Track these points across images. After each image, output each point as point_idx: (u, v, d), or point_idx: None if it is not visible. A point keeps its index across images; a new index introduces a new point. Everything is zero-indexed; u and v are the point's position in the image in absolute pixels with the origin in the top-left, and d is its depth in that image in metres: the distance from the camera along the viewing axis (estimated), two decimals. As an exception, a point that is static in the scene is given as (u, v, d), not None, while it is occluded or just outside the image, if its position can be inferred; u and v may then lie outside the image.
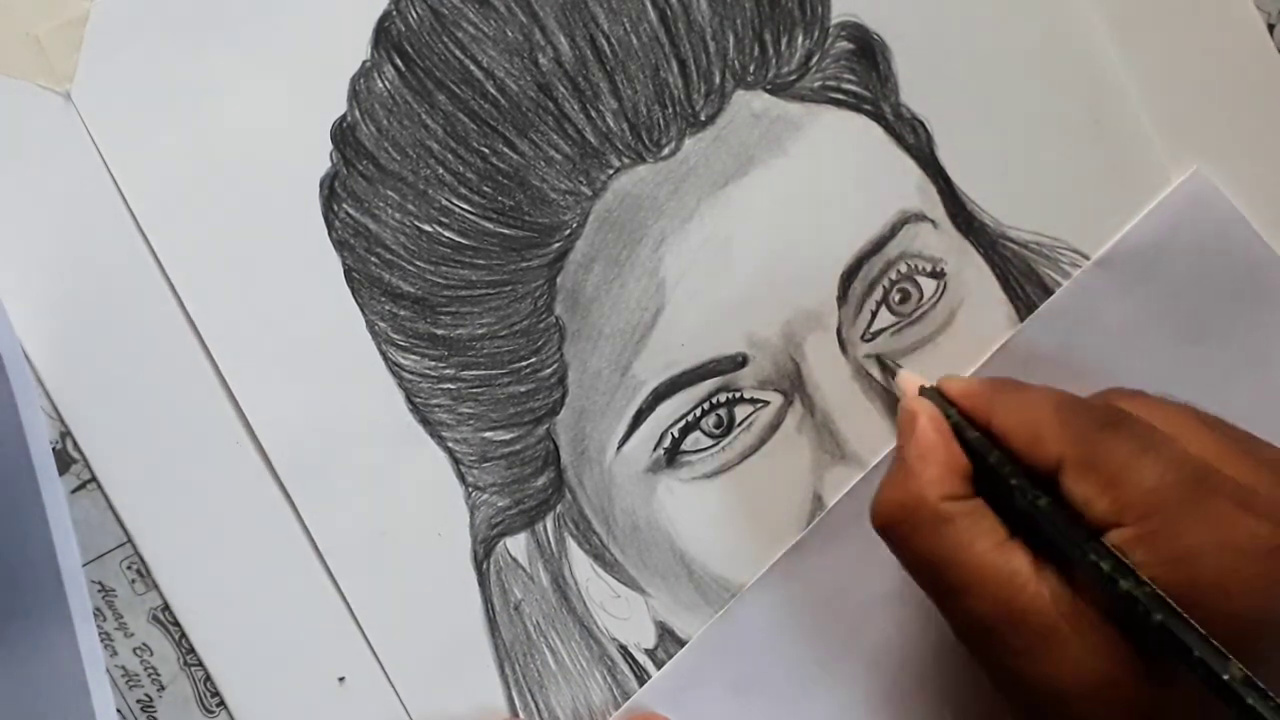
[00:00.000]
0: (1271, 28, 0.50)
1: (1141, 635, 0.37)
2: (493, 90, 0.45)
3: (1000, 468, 0.40)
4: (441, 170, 0.45)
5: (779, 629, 0.47)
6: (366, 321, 0.45)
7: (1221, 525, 0.37)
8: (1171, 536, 0.37)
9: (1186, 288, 0.49)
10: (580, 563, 0.47)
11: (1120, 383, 0.43)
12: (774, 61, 0.46)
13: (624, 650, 0.47)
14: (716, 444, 0.47)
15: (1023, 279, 0.48)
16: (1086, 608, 0.38)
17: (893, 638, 0.48)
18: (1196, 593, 0.36)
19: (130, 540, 0.45)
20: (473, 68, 0.45)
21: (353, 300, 0.45)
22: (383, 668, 0.46)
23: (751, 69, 0.46)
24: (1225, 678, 0.35)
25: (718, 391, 0.47)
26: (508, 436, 0.46)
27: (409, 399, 0.46)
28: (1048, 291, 0.49)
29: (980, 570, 0.39)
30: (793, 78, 0.47)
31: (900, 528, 0.40)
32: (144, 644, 0.46)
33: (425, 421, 0.46)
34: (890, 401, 0.48)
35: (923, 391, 0.43)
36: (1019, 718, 0.41)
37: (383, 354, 0.46)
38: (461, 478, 0.46)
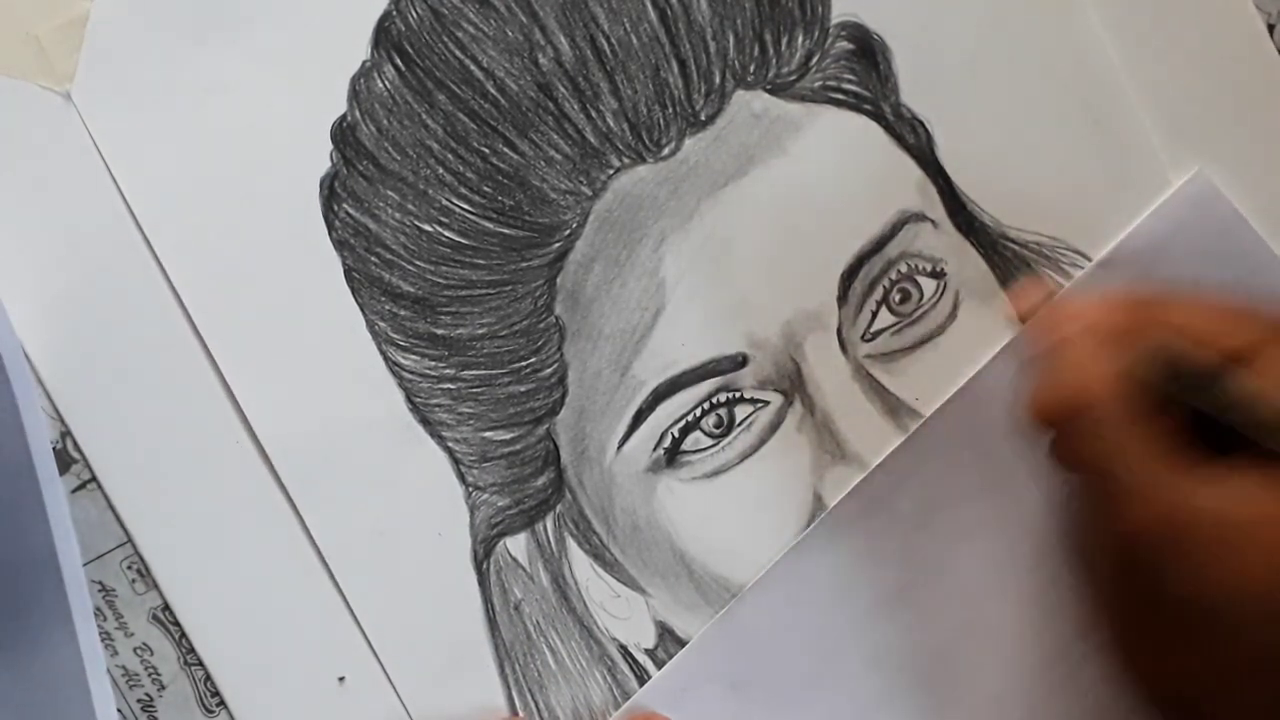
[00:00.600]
0: (1271, 28, 0.50)
1: None
2: (493, 90, 0.45)
3: (1179, 360, 0.39)
4: (441, 170, 0.45)
5: (780, 629, 0.47)
6: (366, 321, 0.45)
7: None
8: None
9: (1189, 287, 0.48)
10: (580, 562, 0.47)
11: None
12: (774, 61, 0.46)
13: (624, 650, 0.47)
14: (716, 444, 0.47)
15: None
16: (1265, 512, 0.37)
17: (893, 638, 0.48)
18: None
19: (130, 540, 0.45)
20: (473, 68, 0.45)
21: (353, 300, 0.45)
22: (383, 667, 0.46)
23: (752, 69, 0.46)
24: None
25: (718, 391, 0.47)
26: (508, 436, 0.46)
27: (409, 399, 0.46)
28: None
29: (1150, 476, 0.38)
30: (793, 78, 0.47)
31: (1075, 423, 0.39)
32: (144, 644, 0.46)
33: (425, 421, 0.46)
34: (891, 402, 0.48)
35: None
36: (1146, 636, 0.40)
37: (383, 354, 0.46)
38: (461, 477, 0.46)
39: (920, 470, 0.47)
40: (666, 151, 0.46)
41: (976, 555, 0.48)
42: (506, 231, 0.45)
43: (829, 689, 0.48)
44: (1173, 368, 0.39)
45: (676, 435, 0.46)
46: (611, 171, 0.46)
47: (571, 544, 0.47)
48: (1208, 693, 0.39)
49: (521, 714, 0.47)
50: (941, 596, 0.48)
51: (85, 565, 0.45)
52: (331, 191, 0.45)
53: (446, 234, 0.45)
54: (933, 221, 0.48)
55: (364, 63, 0.45)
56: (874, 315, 0.47)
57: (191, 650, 0.46)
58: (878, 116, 0.47)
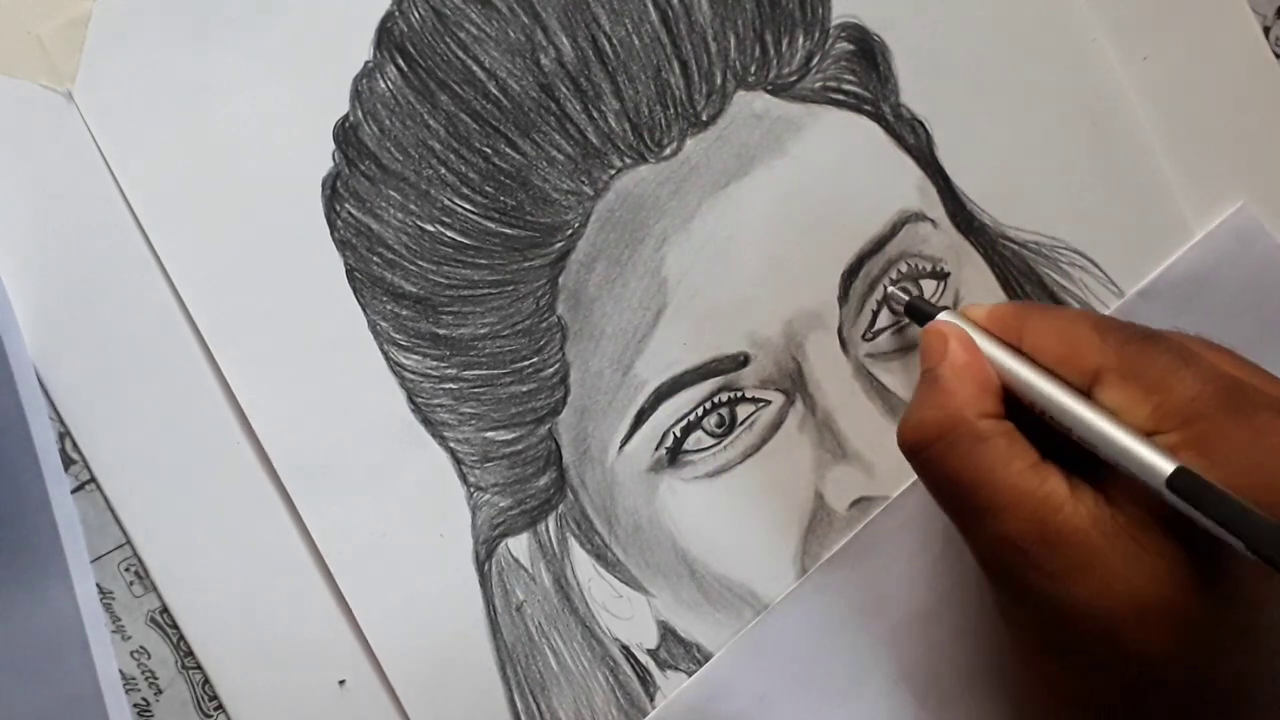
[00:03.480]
0: (1266, 30, 0.50)
1: (1191, 538, 0.36)
2: (495, 90, 0.45)
3: (1036, 381, 0.40)
4: (444, 170, 0.45)
5: (810, 643, 0.47)
6: (368, 321, 0.45)
7: (1265, 431, 0.37)
8: (1216, 440, 0.37)
9: (1228, 320, 0.49)
10: (582, 563, 0.47)
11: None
12: (775, 62, 0.47)
13: (626, 650, 0.47)
14: (718, 443, 0.47)
15: (1022, 278, 0.49)
16: (1126, 523, 0.37)
17: (924, 656, 0.48)
18: (1244, 493, 0.36)
19: (129, 541, 0.45)
20: (475, 68, 0.45)
21: (354, 300, 0.45)
22: (383, 671, 0.46)
23: (753, 70, 0.46)
24: None
25: (719, 391, 0.47)
26: (509, 436, 0.46)
27: (410, 399, 0.46)
28: (1047, 291, 0.49)
29: (1017, 489, 0.38)
30: (793, 78, 0.47)
31: (935, 446, 0.40)
32: (141, 647, 0.45)
33: (427, 421, 0.46)
34: (891, 401, 0.48)
35: (940, 311, 0.43)
36: (1030, 650, 0.40)
37: (384, 354, 0.46)
38: (463, 478, 0.46)
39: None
40: (668, 152, 0.46)
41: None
42: (508, 231, 0.45)
43: (858, 704, 0.48)
44: (1029, 388, 0.40)
45: (678, 435, 0.47)
46: (613, 171, 0.46)
47: (574, 544, 0.47)
48: (1085, 701, 0.40)
49: (523, 716, 0.47)
50: (972, 615, 0.48)
51: (84, 566, 0.45)
52: (333, 191, 0.45)
53: (448, 234, 0.45)
54: (933, 221, 0.48)
55: (366, 63, 0.45)
56: (875, 315, 0.48)
57: (190, 653, 0.45)
58: (878, 117, 0.48)
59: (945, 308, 0.44)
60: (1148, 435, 0.38)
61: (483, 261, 0.45)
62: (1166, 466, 0.36)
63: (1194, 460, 0.37)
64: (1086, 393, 0.39)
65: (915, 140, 0.48)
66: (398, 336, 0.45)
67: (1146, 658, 0.37)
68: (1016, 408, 0.41)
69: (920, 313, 0.45)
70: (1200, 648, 0.37)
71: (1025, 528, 0.38)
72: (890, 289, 0.47)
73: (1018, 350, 0.41)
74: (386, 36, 0.45)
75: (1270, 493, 0.36)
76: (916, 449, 0.40)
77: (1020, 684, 0.43)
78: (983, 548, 0.40)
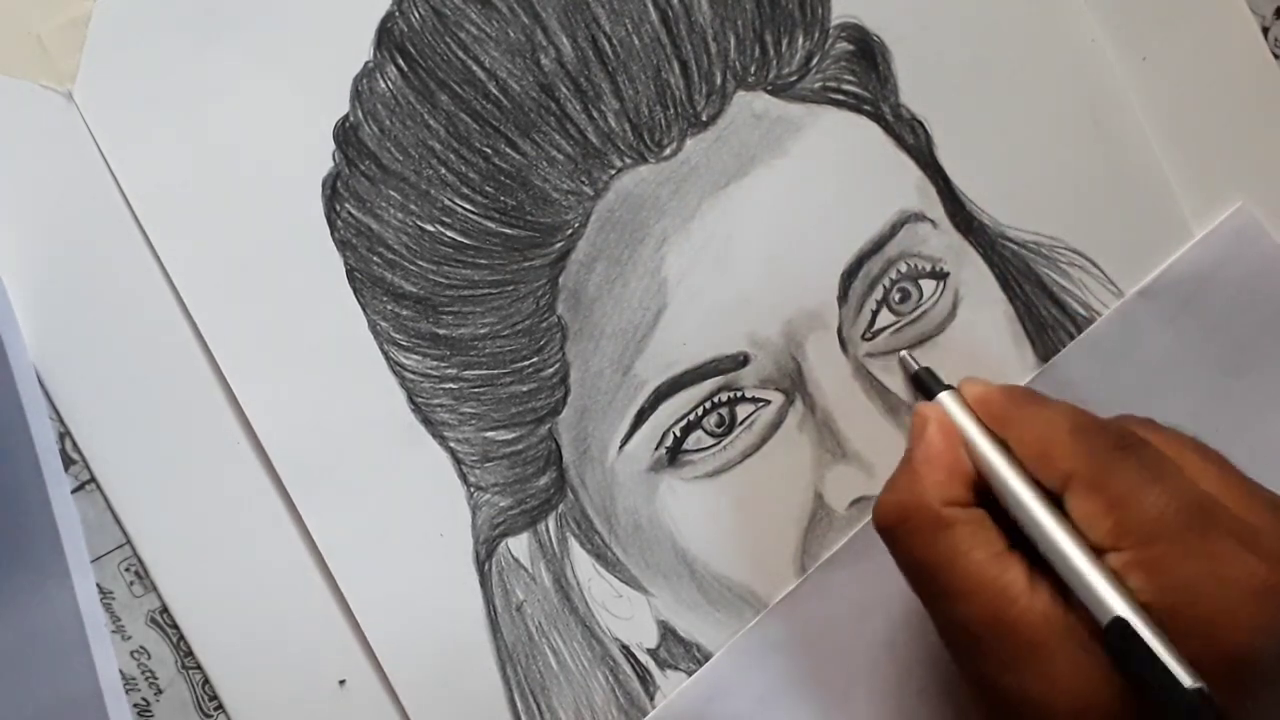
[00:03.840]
0: (1265, 30, 0.50)
1: (1127, 659, 0.37)
2: (495, 91, 0.45)
3: (1005, 478, 0.40)
4: (444, 170, 0.45)
5: (810, 643, 0.47)
6: (368, 321, 0.45)
7: (1220, 560, 0.37)
8: (1170, 566, 0.37)
9: (1228, 320, 0.49)
10: (582, 562, 0.47)
11: (1159, 412, 0.42)
12: (775, 62, 0.47)
13: (626, 650, 0.47)
14: (718, 443, 0.47)
15: (1021, 278, 0.49)
16: (1076, 626, 0.38)
17: (923, 656, 0.48)
18: (1187, 624, 0.36)
19: (129, 541, 0.45)
20: (475, 68, 0.45)
21: (354, 300, 0.45)
22: (383, 670, 0.46)
23: (752, 70, 0.46)
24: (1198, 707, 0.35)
25: (719, 391, 0.47)
26: (510, 436, 0.46)
27: (411, 399, 0.46)
28: (1047, 290, 0.49)
29: (975, 578, 0.39)
30: (793, 78, 0.47)
31: (900, 529, 0.40)
32: (141, 647, 0.45)
33: (427, 421, 0.46)
34: (891, 401, 0.48)
35: (940, 389, 0.43)
36: None
37: (385, 354, 0.46)
38: (463, 478, 0.46)
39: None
40: (668, 152, 0.46)
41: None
42: (509, 231, 0.45)
43: (857, 704, 0.48)
44: (999, 486, 0.40)
45: (678, 434, 0.47)
46: (613, 171, 0.46)
47: (574, 544, 0.47)
48: None
49: (524, 716, 0.47)
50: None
51: (84, 566, 0.45)
52: (334, 192, 0.45)
53: (449, 234, 0.45)
54: (932, 221, 0.48)
55: (366, 63, 0.45)
56: (874, 314, 0.48)
57: (190, 653, 0.45)
58: (877, 117, 0.48)
59: (949, 387, 0.43)
60: (1105, 551, 0.38)
61: (483, 261, 0.45)
62: (1107, 611, 0.37)
63: (1143, 582, 0.37)
64: (1059, 497, 0.39)
65: (915, 140, 0.48)
66: (398, 336, 0.45)
67: None
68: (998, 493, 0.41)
69: (924, 386, 0.45)
70: None
71: (980, 615, 0.38)
72: (902, 354, 0.47)
73: (1001, 441, 0.41)
74: (387, 36, 0.45)
75: (1213, 626, 0.36)
76: (884, 529, 0.41)
77: None
78: (943, 630, 0.40)
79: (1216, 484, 0.39)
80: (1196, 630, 0.36)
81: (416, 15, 0.45)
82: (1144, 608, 0.36)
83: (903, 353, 0.48)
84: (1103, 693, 0.37)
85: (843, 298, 0.47)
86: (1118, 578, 0.37)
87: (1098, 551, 0.38)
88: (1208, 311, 0.49)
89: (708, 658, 0.47)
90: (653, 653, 0.47)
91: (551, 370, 0.46)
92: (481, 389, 0.46)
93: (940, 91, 0.48)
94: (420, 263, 0.45)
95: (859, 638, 0.48)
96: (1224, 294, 0.49)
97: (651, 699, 0.47)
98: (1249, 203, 0.50)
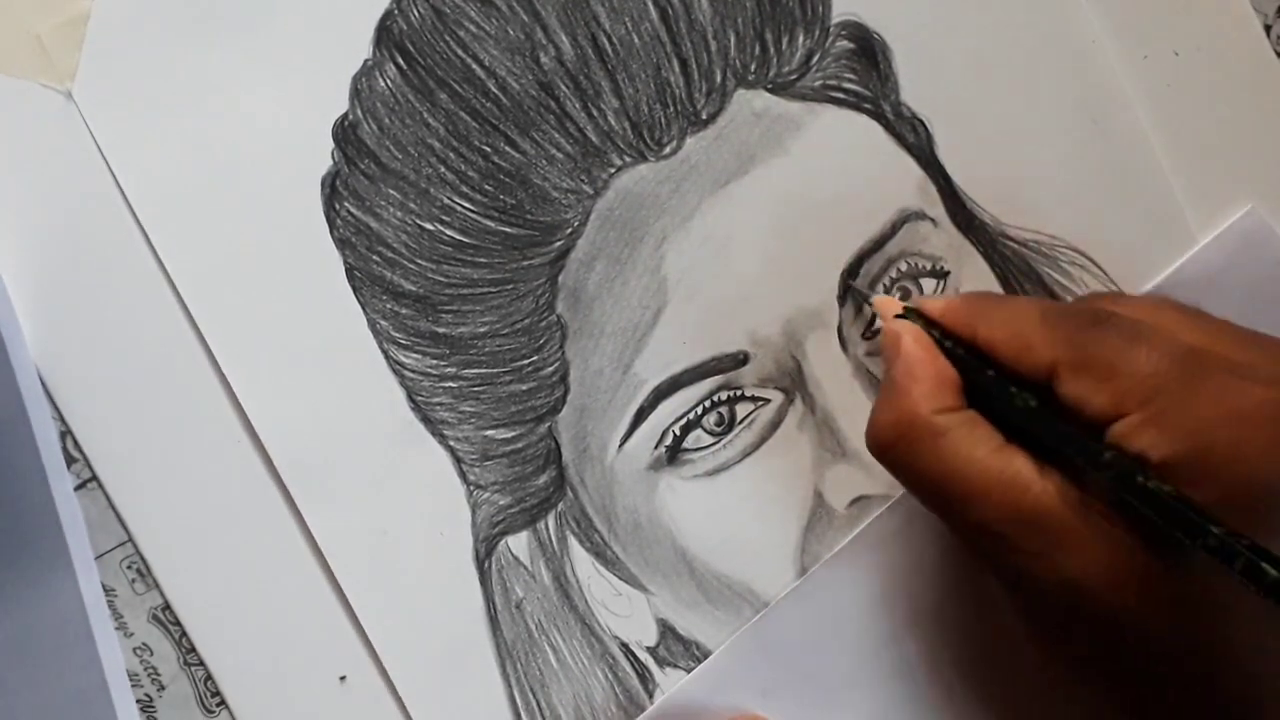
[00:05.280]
0: (1268, 28, 0.50)
1: (1148, 524, 0.37)
2: (494, 89, 0.45)
3: (991, 378, 0.40)
4: (443, 169, 0.45)
5: (809, 641, 0.48)
6: (368, 320, 0.45)
7: (1225, 396, 0.37)
8: (1178, 414, 0.37)
9: (1238, 323, 0.49)
10: (582, 561, 0.47)
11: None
12: (775, 61, 0.46)
13: (625, 648, 0.47)
14: (718, 442, 0.47)
15: (1022, 277, 0.49)
16: (1094, 502, 0.38)
17: (925, 652, 0.48)
18: (1210, 464, 0.36)
19: (131, 539, 0.45)
20: (474, 66, 0.45)
21: (354, 299, 0.45)
22: (384, 667, 0.46)
23: (753, 68, 0.46)
24: (1239, 547, 0.34)
25: (719, 389, 0.47)
26: (509, 435, 0.46)
27: (410, 397, 0.46)
28: (1047, 289, 0.49)
29: (983, 477, 0.39)
30: (793, 77, 0.47)
31: (897, 447, 0.40)
32: (144, 644, 0.45)
33: (426, 420, 0.46)
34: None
35: (903, 314, 0.43)
36: (1032, 623, 0.40)
37: (384, 352, 0.46)
38: (463, 476, 0.46)
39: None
40: (668, 150, 0.46)
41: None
42: (508, 230, 0.45)
43: (857, 703, 0.48)
44: (1000, 374, 0.41)
45: (678, 433, 0.47)
46: (613, 170, 0.46)
47: (573, 542, 0.47)
48: (1095, 677, 0.40)
49: (523, 714, 0.47)
50: (971, 612, 0.48)
51: (85, 564, 0.45)
52: (333, 190, 0.45)
53: (448, 232, 0.45)
54: (933, 220, 0.48)
55: (366, 61, 0.45)
56: (874, 314, 0.48)
57: (192, 650, 0.45)
58: (878, 115, 0.48)
59: (906, 305, 0.43)
60: (1110, 421, 0.38)
61: (482, 260, 0.45)
62: (1123, 472, 0.37)
63: (1155, 438, 0.37)
64: (1046, 384, 0.39)
65: (915, 139, 0.48)
66: (397, 335, 0.46)
67: (1141, 629, 0.38)
68: (981, 393, 0.41)
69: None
70: (1168, 612, 0.38)
71: (999, 512, 0.38)
72: (852, 284, 0.47)
73: (972, 346, 0.41)
74: (386, 35, 0.45)
75: (1234, 462, 0.36)
76: (881, 451, 0.41)
77: (1043, 667, 0.43)
78: (966, 538, 0.40)
79: (1200, 334, 0.39)
80: (1221, 469, 0.36)
81: (416, 13, 0.45)
82: (1163, 464, 0.36)
83: (852, 284, 0.47)
84: (1133, 559, 0.37)
85: (843, 297, 0.47)
86: (1128, 441, 0.37)
87: (1102, 423, 0.38)
88: (1217, 314, 0.49)
89: (707, 656, 0.47)
90: (652, 651, 0.47)
91: (551, 369, 0.46)
92: (481, 387, 0.46)
93: (941, 90, 0.48)
94: (419, 261, 0.45)
95: (858, 637, 0.48)
96: (1232, 298, 0.49)
97: (651, 697, 0.47)
98: (1251, 202, 0.50)
